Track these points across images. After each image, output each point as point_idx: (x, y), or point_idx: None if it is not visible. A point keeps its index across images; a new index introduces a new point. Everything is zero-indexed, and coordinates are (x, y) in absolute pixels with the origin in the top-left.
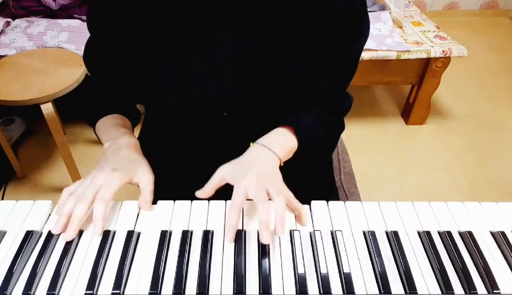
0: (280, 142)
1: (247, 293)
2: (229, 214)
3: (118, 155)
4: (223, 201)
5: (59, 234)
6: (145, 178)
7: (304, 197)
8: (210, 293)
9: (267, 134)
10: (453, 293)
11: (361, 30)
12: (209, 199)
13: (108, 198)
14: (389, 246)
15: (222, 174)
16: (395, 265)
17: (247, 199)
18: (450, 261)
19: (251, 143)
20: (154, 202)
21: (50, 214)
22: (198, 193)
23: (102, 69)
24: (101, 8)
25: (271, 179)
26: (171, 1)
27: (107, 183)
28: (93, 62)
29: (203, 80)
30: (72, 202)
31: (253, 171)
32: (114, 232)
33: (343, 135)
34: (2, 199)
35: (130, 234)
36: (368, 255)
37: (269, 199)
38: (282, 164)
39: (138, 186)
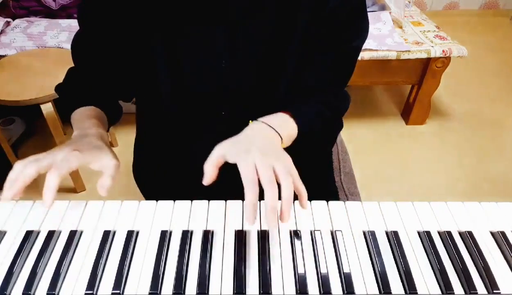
0: (282, 124)
1: (247, 293)
2: (247, 191)
3: (82, 140)
4: (223, 201)
5: (59, 235)
6: (108, 161)
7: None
8: (210, 293)
9: (267, 116)
10: (453, 293)
11: (359, 29)
12: (209, 199)
13: (64, 171)
14: (389, 246)
15: (220, 152)
16: (395, 265)
17: None
18: (450, 261)
19: (250, 121)
20: (155, 201)
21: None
22: (204, 181)
23: (88, 62)
24: (93, 2)
25: (276, 154)
26: (166, 1)
27: (64, 159)
28: (80, 54)
29: (200, 79)
30: (20, 166)
31: (255, 145)
32: (114, 232)
33: (343, 135)
34: None
35: (130, 234)
36: (368, 255)
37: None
38: (283, 145)
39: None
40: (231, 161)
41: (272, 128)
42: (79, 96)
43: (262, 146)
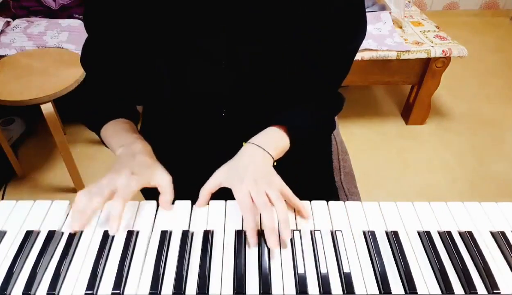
0: (273, 142)
1: (247, 293)
2: (246, 219)
3: (134, 160)
4: (223, 201)
5: (59, 235)
6: (164, 179)
7: (304, 197)
8: (210, 293)
9: (260, 133)
10: (453, 293)
11: (358, 31)
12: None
13: (127, 198)
14: (389, 246)
15: (218, 180)
16: (395, 265)
17: None
18: (450, 261)
19: (243, 143)
20: (155, 201)
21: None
22: (197, 205)
23: (100, 70)
24: (95, 8)
25: (268, 181)
26: (165, 4)
27: (126, 185)
28: (91, 63)
29: (200, 80)
30: (86, 198)
31: (249, 174)
32: None
33: (343, 135)
34: (2, 199)
35: (130, 234)
36: (368, 255)
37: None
38: (275, 163)
39: (158, 188)
40: (228, 186)
41: (264, 149)
42: (104, 110)
43: (254, 173)
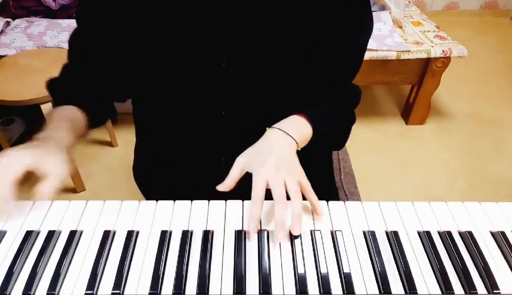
0: (297, 128)
1: (247, 293)
2: (252, 206)
3: (39, 144)
4: (223, 201)
5: (59, 235)
6: (56, 167)
7: (305, 198)
8: (210, 293)
9: (283, 119)
10: (453, 293)
11: (365, 25)
12: (209, 199)
13: (13, 175)
14: (389, 246)
15: (241, 165)
16: (395, 265)
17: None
18: (450, 261)
19: (267, 128)
20: (155, 201)
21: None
22: (219, 187)
23: (83, 60)
24: (92, 6)
25: (289, 167)
26: (165, 3)
27: (7, 165)
28: (76, 51)
29: (200, 79)
30: None
31: (271, 158)
32: (114, 232)
33: None
34: None
35: (130, 234)
36: (368, 255)
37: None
38: (299, 149)
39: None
40: (249, 171)
41: (289, 134)
42: (67, 93)
43: (277, 158)
